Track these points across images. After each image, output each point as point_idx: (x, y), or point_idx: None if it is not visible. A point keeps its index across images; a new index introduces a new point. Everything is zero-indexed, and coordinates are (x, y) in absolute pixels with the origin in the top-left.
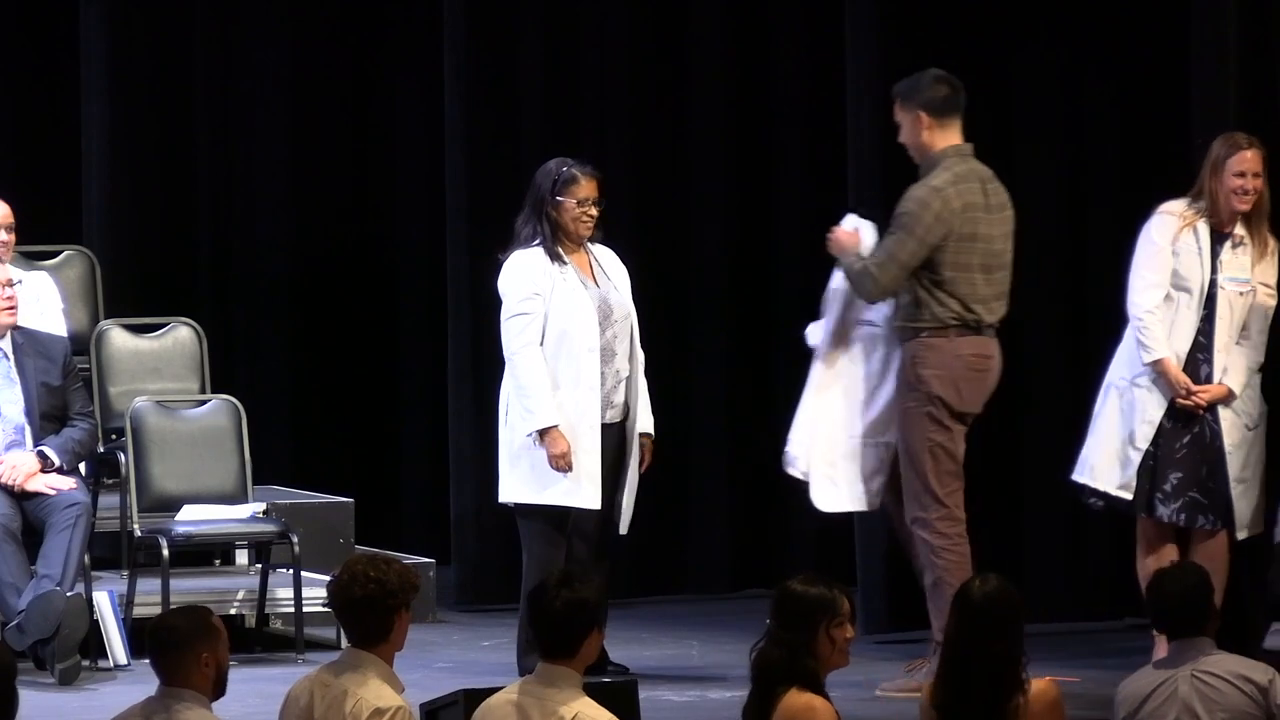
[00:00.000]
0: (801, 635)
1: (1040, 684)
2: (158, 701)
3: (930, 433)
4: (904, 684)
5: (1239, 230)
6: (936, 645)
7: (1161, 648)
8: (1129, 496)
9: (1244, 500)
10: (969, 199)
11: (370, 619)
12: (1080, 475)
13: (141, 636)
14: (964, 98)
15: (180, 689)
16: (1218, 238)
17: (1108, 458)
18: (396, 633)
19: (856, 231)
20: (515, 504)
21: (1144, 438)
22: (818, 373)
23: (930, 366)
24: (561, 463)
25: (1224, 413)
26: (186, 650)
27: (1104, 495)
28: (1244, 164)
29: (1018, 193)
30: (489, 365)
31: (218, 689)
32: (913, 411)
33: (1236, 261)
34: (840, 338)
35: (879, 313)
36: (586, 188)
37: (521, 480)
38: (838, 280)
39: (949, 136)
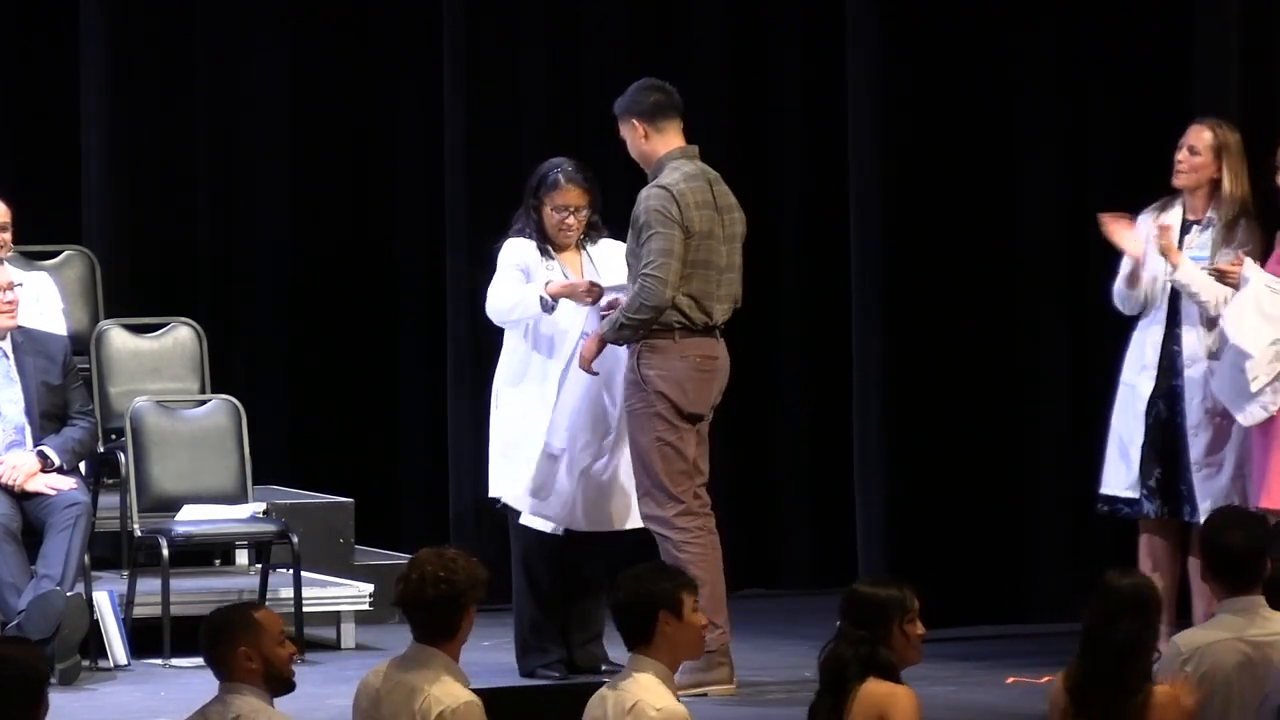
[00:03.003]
0: (877, 633)
1: (1172, 690)
2: (216, 700)
3: (659, 432)
4: None
5: (1211, 213)
6: None
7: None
8: (1135, 495)
9: (1207, 484)
10: (700, 197)
11: (440, 618)
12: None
13: (141, 636)
14: (678, 100)
15: (235, 684)
16: (1198, 225)
17: (1112, 462)
18: (463, 629)
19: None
20: (502, 501)
21: (1140, 433)
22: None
23: (655, 367)
24: (581, 289)
25: (1189, 394)
26: (225, 645)
27: (1113, 500)
28: (1185, 138)
29: (1018, 192)
30: (488, 365)
31: (274, 682)
32: (640, 412)
33: (1198, 241)
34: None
35: (593, 325)
36: (569, 195)
37: (505, 476)
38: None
39: (670, 140)
